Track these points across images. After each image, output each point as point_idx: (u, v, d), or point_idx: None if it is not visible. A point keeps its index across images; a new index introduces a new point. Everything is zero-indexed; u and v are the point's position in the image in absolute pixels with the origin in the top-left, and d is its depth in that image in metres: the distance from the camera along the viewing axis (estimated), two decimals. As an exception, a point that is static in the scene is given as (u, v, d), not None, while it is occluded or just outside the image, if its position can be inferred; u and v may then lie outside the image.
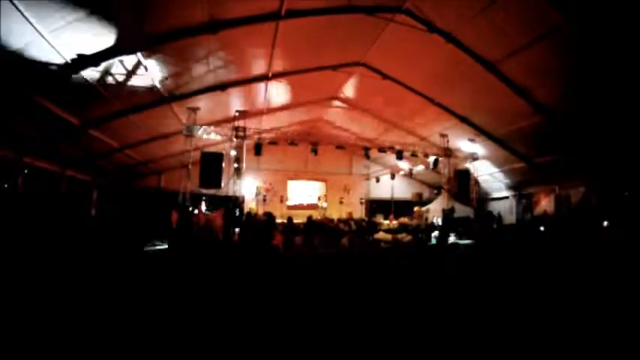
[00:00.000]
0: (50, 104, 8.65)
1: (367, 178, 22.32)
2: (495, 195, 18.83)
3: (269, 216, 10.75)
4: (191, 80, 10.59)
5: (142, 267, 7.52)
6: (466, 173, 15.81)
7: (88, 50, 7.46)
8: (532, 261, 9.22)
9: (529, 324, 4.29)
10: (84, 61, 7.61)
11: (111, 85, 9.00)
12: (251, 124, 13.69)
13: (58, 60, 7.30)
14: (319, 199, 20.89)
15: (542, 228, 13.83)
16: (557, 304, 5.29)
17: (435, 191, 18.82)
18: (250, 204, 18.26)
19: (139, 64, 8.54)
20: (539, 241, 11.96)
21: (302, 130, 18.42)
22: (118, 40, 7.43)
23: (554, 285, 6.57)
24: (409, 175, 20.38)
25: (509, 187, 17.53)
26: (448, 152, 15.64)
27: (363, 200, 22.14)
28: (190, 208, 12.11)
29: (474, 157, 15.60)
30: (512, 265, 8.85)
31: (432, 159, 16.00)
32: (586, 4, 7.34)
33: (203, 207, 14.41)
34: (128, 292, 5.40)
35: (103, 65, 8.03)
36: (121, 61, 8.23)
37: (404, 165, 18.47)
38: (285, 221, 11.57)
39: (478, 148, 15.19)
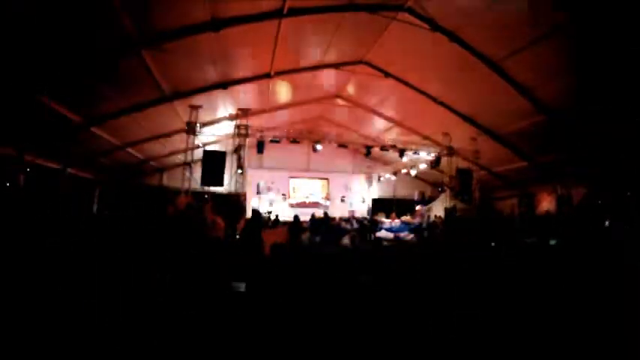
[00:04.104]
0: (51, 102, 8.65)
1: (369, 176, 22.28)
2: (498, 194, 18.80)
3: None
4: (193, 78, 10.60)
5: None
6: (468, 172, 15.75)
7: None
8: (534, 260, 9.19)
9: (530, 324, 4.28)
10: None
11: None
12: (253, 122, 13.66)
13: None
14: (325, 197, 20.96)
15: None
16: (558, 304, 5.27)
17: (439, 189, 18.75)
18: (252, 202, 18.29)
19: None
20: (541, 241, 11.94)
21: (304, 128, 18.39)
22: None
23: (556, 285, 6.55)
24: (411, 173, 20.32)
25: (511, 187, 17.48)
26: (451, 151, 15.59)
27: (365, 199, 22.12)
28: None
29: (476, 156, 15.52)
30: (513, 265, 8.83)
31: (434, 157, 15.95)
32: (589, 4, 7.31)
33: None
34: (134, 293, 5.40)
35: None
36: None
37: (406, 163, 18.39)
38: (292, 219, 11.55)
39: (481, 146, 15.12)
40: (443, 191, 17.77)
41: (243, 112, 12.80)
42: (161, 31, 7.89)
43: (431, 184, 22.05)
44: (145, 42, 7.95)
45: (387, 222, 16.95)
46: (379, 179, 21.44)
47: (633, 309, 4.83)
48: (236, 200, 13.14)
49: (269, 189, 19.88)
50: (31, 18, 6.14)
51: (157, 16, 7.51)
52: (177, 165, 16.70)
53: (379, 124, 16.83)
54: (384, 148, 15.66)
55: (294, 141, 14.97)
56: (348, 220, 16.49)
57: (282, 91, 13.65)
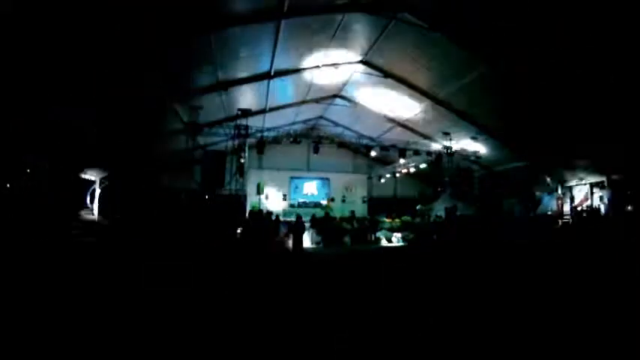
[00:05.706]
0: (52, 103, 8.66)
1: (369, 176, 22.27)
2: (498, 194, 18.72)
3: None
4: (193, 79, 10.62)
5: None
6: (468, 171, 15.73)
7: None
8: (534, 259, 9.20)
9: (530, 321, 4.29)
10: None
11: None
12: (253, 123, 13.62)
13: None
14: (327, 198, 20.99)
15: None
16: (558, 300, 5.28)
17: (440, 189, 18.73)
18: (252, 202, 18.29)
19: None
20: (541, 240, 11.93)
21: (304, 129, 18.39)
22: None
23: (556, 282, 6.56)
24: (412, 173, 20.29)
25: (512, 186, 17.44)
26: (451, 150, 15.57)
27: (366, 198, 22.12)
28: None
29: (476, 156, 15.51)
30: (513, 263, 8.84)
31: (434, 157, 15.93)
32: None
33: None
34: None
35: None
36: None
37: (406, 163, 18.39)
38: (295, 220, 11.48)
39: (481, 146, 15.11)
40: (443, 191, 17.74)
41: (244, 113, 12.75)
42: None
43: (432, 184, 22.04)
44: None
45: (387, 222, 16.90)
46: (380, 179, 21.43)
47: (632, 305, 4.84)
48: (236, 200, 13.12)
49: (269, 189, 19.87)
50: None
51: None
52: (178, 166, 16.64)
53: (379, 123, 16.79)
54: (384, 148, 15.64)
55: (295, 141, 14.96)
56: (349, 220, 16.44)
57: (283, 91, 13.61)
